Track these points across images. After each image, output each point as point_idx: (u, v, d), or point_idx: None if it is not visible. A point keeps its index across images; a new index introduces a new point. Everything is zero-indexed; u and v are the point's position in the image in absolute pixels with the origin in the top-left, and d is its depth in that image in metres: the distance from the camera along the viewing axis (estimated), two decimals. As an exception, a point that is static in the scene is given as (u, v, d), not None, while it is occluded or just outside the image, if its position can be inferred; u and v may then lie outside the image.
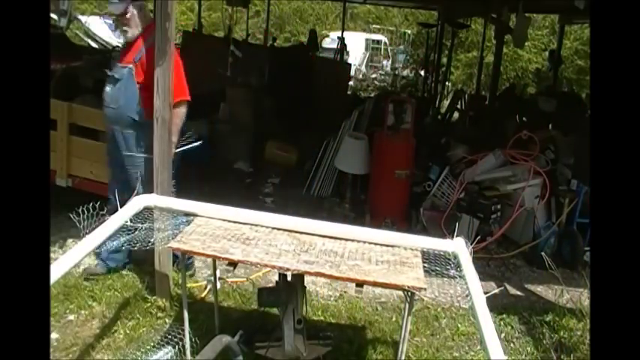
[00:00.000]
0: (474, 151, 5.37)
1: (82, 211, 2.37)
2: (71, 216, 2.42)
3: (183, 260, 2.72)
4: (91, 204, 2.45)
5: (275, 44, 11.62)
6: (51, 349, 2.71)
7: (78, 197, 2.97)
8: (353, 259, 2.37)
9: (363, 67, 17.66)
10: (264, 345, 2.68)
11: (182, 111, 3.33)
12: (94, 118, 3.96)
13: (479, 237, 4.13)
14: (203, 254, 2.42)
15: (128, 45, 3.40)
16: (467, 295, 2.19)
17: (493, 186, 4.87)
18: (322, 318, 3.46)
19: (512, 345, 3.39)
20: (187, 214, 2.65)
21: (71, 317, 3.25)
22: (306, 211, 5.17)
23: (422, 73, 13.23)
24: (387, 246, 2.57)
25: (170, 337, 2.66)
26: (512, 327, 3.57)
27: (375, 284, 2.25)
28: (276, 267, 2.25)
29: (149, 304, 3.36)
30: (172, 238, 2.45)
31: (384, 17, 21.43)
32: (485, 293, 2.15)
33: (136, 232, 2.50)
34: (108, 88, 3.42)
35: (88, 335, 2.94)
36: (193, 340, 2.54)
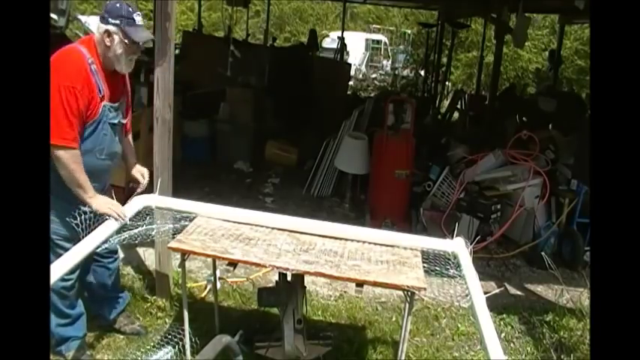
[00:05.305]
0: (474, 151, 5.37)
1: (80, 213, 2.37)
2: (68, 219, 2.42)
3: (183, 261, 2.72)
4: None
5: (275, 44, 11.62)
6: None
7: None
8: (353, 259, 2.37)
9: (363, 67, 17.68)
10: (264, 345, 2.68)
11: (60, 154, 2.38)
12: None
13: (479, 237, 4.13)
14: (203, 254, 2.42)
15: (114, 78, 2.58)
16: (467, 295, 2.19)
17: (493, 186, 4.87)
18: (322, 318, 3.46)
19: (512, 345, 3.38)
20: (187, 214, 2.66)
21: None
22: (306, 211, 5.18)
23: (422, 73, 13.24)
24: (387, 246, 2.57)
25: (170, 337, 2.66)
26: (512, 327, 3.57)
27: (375, 284, 2.25)
28: (276, 267, 2.25)
29: (149, 304, 3.37)
30: (172, 238, 2.46)
31: (384, 17, 21.45)
32: (486, 293, 2.16)
33: (136, 230, 2.50)
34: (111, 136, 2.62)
35: (88, 335, 2.94)
36: (193, 340, 2.54)
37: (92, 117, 2.47)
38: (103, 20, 2.47)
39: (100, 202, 2.47)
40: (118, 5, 2.46)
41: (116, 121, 2.61)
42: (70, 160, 2.39)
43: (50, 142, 2.31)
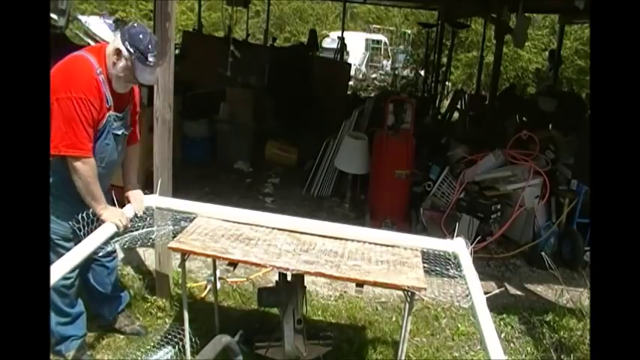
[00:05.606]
0: (474, 151, 5.37)
1: (83, 217, 2.37)
2: (71, 223, 2.43)
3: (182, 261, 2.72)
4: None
5: (275, 44, 11.62)
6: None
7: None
8: (353, 259, 2.38)
9: (363, 67, 17.69)
10: (264, 345, 2.68)
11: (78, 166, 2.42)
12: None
13: (479, 237, 4.13)
14: (203, 254, 2.42)
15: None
16: (467, 295, 2.19)
17: (493, 186, 4.87)
18: (322, 318, 3.46)
19: (512, 345, 3.39)
20: (187, 214, 2.66)
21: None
22: (306, 211, 5.18)
23: (422, 73, 13.24)
24: (387, 246, 2.57)
25: (170, 337, 2.66)
26: (512, 327, 3.57)
27: (375, 284, 2.25)
28: (276, 267, 2.25)
29: (149, 304, 3.37)
30: (172, 238, 2.46)
31: (384, 17, 21.47)
32: (486, 293, 2.15)
33: (136, 233, 2.51)
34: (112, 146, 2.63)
35: (88, 335, 2.94)
36: (193, 340, 2.54)
37: (98, 126, 2.48)
38: (122, 38, 2.41)
39: (110, 214, 2.49)
40: (141, 36, 2.40)
41: (119, 132, 2.61)
42: (88, 171, 2.42)
43: (67, 154, 2.38)
